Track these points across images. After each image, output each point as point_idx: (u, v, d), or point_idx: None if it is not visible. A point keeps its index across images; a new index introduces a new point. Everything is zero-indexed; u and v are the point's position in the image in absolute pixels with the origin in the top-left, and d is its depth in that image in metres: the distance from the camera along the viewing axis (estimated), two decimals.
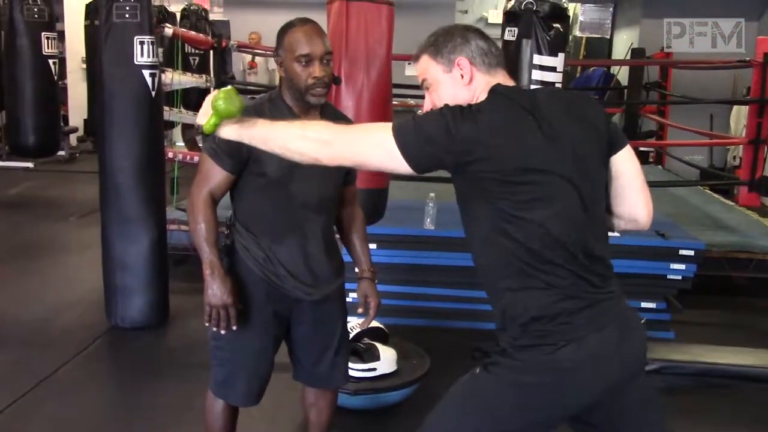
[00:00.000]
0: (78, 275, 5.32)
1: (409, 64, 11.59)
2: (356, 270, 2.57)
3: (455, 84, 1.81)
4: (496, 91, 1.75)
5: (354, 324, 3.12)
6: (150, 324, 4.29)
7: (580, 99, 1.89)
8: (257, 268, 2.35)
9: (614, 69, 10.34)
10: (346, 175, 2.47)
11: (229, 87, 1.89)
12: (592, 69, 10.39)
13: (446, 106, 1.72)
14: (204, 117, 1.90)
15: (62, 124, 9.35)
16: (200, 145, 7.87)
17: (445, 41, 1.82)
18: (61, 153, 9.33)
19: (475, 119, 1.65)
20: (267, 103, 2.32)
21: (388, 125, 1.71)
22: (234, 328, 2.28)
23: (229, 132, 1.89)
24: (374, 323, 3.45)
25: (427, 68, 1.84)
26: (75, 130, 10.63)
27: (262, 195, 2.32)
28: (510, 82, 1.83)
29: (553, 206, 1.69)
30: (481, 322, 4.34)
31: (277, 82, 2.37)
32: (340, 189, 2.47)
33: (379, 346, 3.36)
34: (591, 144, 1.78)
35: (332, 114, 2.45)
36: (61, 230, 6.69)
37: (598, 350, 1.70)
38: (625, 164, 1.86)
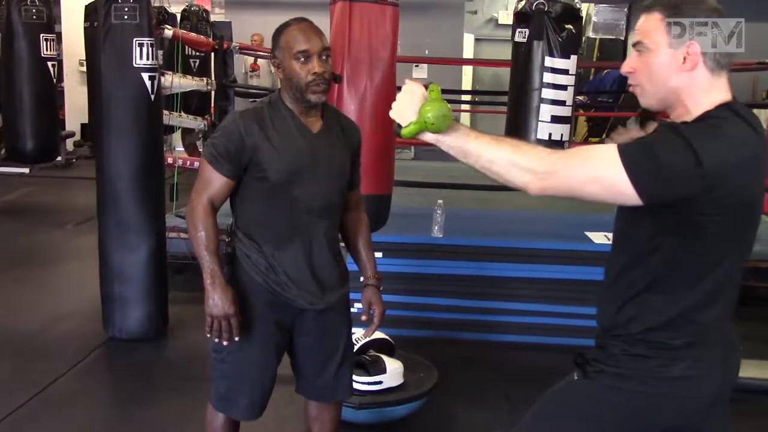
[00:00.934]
0: (74, 284, 5.33)
1: (416, 66, 11.60)
2: (361, 277, 2.58)
3: (672, 64, 1.63)
4: (733, 109, 1.61)
5: (359, 335, 3.12)
6: (148, 335, 4.29)
7: None
8: (259, 277, 2.35)
9: None
10: (350, 179, 2.48)
11: (436, 91, 1.70)
12: (605, 71, 10.37)
13: (684, 128, 1.57)
14: (404, 117, 1.70)
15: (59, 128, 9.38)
16: (200, 150, 7.88)
17: (690, 12, 1.62)
18: (58, 158, 9.36)
19: (722, 150, 1.53)
20: (267, 107, 2.33)
21: (612, 151, 1.55)
22: (237, 339, 2.29)
23: (426, 137, 1.71)
24: (380, 334, 3.45)
25: (652, 30, 1.65)
26: (72, 134, 10.67)
27: (263, 200, 2.32)
28: (729, 92, 1.66)
29: (743, 239, 1.69)
30: (491, 333, 4.33)
31: (279, 84, 2.37)
32: (345, 193, 2.48)
33: (385, 358, 3.36)
34: None
35: (334, 115, 2.46)
36: (57, 238, 6.71)
37: (707, 370, 1.70)
38: None
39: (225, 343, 2.29)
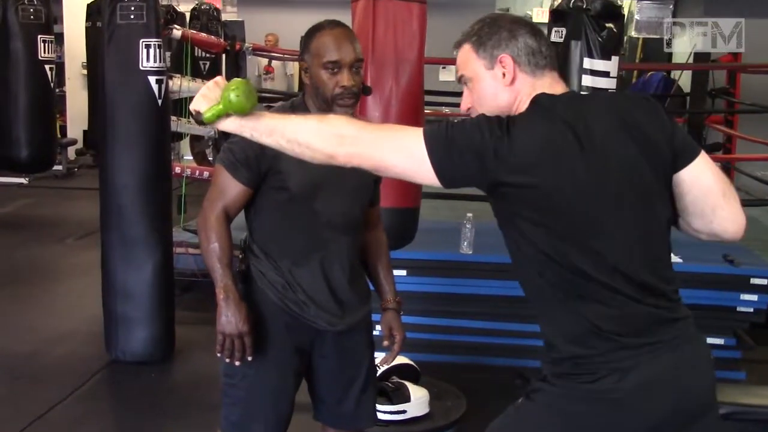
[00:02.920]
0: (75, 303, 5.37)
1: (443, 68, 11.64)
2: (381, 301, 2.58)
3: (496, 83, 1.80)
4: (537, 102, 1.74)
5: (378, 361, 3.11)
6: (154, 358, 4.31)
7: (640, 107, 1.85)
8: (275, 296, 2.36)
9: (675, 74, 10.27)
10: (371, 194, 2.48)
11: (246, 79, 1.84)
12: (649, 74, 10.33)
13: (483, 115, 1.72)
14: (205, 103, 1.79)
15: (60, 135, 9.49)
16: (210, 158, 7.94)
17: (490, 33, 1.81)
18: (58, 167, 9.46)
19: (511, 136, 1.64)
20: (289, 111, 2.34)
21: (420, 129, 1.70)
22: (249, 359, 2.28)
23: (229, 124, 1.79)
24: (404, 360, 3.44)
25: (467, 60, 1.84)
26: (74, 142, 10.78)
27: (281, 212, 2.33)
28: (558, 87, 1.82)
29: (596, 234, 1.71)
30: (524, 359, 4.30)
31: (295, 88, 2.38)
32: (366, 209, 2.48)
33: (409, 385, 3.35)
34: (647, 162, 1.77)
35: None
36: (57, 253, 6.76)
37: (648, 380, 1.71)
38: (698, 176, 1.84)
39: (237, 363, 2.28)
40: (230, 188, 2.29)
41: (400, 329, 2.53)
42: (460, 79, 1.87)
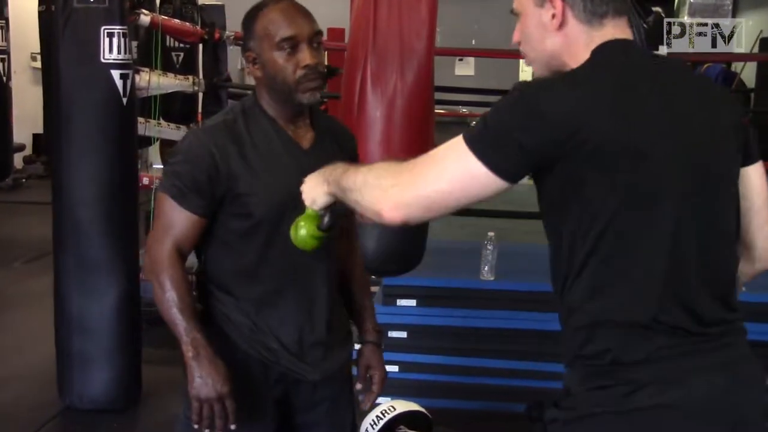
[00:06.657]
0: (22, 339, 5.37)
1: (459, 60, 11.61)
2: (358, 331, 2.56)
3: (543, 24, 1.81)
4: (602, 51, 1.75)
5: (386, 407, 3.11)
6: (116, 404, 4.30)
7: (715, 87, 1.88)
8: (243, 342, 2.31)
9: (736, 66, 10.29)
10: None
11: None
12: (705, 65, 10.35)
13: (523, 82, 1.74)
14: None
15: None
16: None
17: None
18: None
19: (565, 93, 1.66)
20: (240, 118, 2.30)
21: (456, 141, 1.71)
22: (233, 427, 2.21)
23: (325, 198, 2.01)
24: (414, 406, 3.44)
25: None
26: (21, 147, 10.81)
27: (243, 242, 2.28)
28: (624, 35, 1.81)
29: (657, 214, 1.69)
30: None
31: None
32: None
33: None
34: (719, 145, 1.79)
35: (325, 121, 2.45)
36: (2, 279, 6.77)
37: (695, 398, 1.70)
38: (756, 180, 1.90)
39: None
40: (179, 220, 2.23)
41: (380, 366, 2.50)
42: (512, 10, 1.90)
